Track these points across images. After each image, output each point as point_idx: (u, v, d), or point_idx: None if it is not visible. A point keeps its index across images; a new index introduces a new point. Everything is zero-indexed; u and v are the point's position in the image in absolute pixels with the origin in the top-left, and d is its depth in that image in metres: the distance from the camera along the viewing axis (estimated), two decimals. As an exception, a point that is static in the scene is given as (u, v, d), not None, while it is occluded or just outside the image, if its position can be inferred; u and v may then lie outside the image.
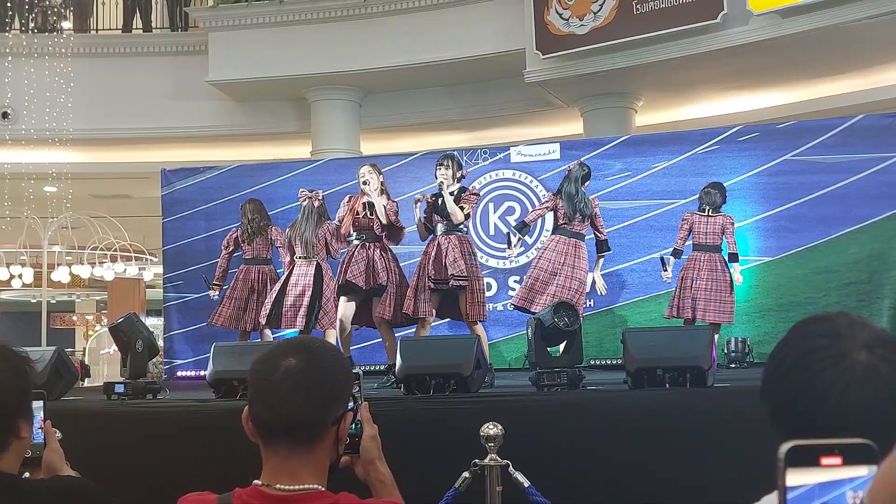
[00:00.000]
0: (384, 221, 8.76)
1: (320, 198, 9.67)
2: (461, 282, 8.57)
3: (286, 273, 9.64)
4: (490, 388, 7.65)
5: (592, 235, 9.47)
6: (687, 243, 9.84)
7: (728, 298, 9.56)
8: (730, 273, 9.61)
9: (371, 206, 8.86)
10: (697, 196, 9.85)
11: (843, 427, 1.24)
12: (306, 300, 9.33)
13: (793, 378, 1.63)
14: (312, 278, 9.38)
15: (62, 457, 2.69)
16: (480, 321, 8.83)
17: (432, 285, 8.70)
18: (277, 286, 9.61)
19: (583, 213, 9.19)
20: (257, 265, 10.20)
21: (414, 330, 8.93)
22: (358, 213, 8.94)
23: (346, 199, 9.19)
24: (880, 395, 1.18)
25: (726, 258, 9.64)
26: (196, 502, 2.19)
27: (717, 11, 12.06)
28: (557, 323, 6.98)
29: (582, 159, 9.87)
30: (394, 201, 9.11)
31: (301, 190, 9.90)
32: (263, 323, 9.56)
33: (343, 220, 9.04)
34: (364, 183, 8.92)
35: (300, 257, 9.50)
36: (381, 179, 9.04)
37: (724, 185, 9.89)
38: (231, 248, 10.35)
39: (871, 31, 11.58)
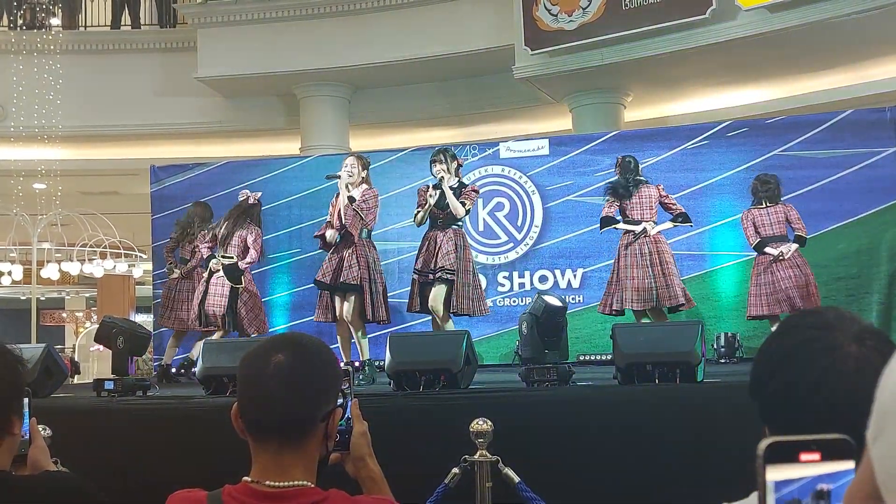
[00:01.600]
0: (343, 219, 8.75)
1: (258, 198, 9.80)
2: (448, 275, 8.60)
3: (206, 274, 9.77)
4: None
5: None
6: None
7: (813, 289, 9.44)
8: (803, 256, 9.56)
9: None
10: (752, 192, 9.75)
11: (833, 419, 1.25)
12: (224, 301, 9.49)
13: (784, 370, 1.63)
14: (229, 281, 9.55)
15: (47, 454, 2.70)
16: (476, 315, 8.92)
17: (417, 277, 8.77)
18: (201, 287, 9.77)
19: None
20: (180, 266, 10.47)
21: (393, 328, 9.02)
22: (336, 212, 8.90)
23: (334, 198, 9.16)
24: (871, 388, 1.19)
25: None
26: (186, 499, 2.19)
27: (705, 7, 12.08)
28: (552, 304, 7.01)
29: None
30: (372, 189, 9.03)
31: (243, 191, 10.02)
32: (198, 325, 9.79)
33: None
34: (337, 178, 8.89)
35: (223, 256, 9.60)
36: (364, 174, 9.00)
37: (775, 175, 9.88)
38: (172, 250, 10.78)
39: (860, 25, 11.61)
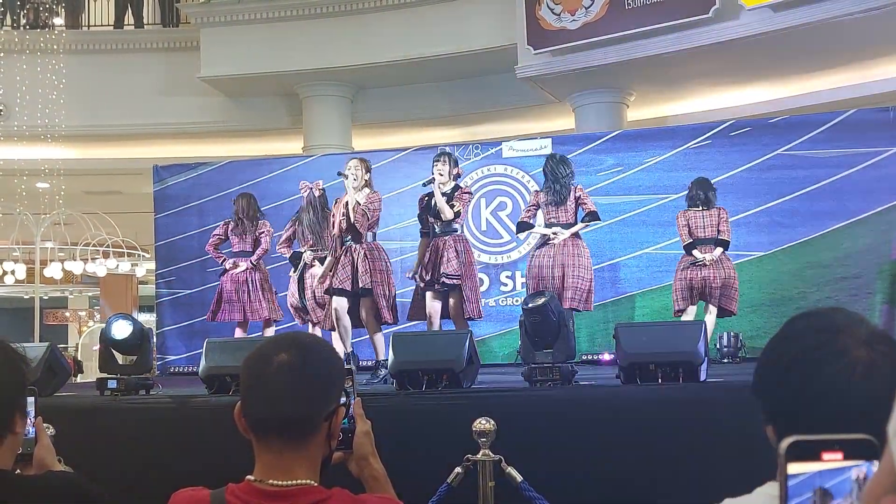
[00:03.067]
0: (350, 220, 8.68)
1: (321, 187, 9.71)
2: (453, 280, 8.61)
3: (301, 268, 9.72)
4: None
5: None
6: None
7: (735, 285, 9.52)
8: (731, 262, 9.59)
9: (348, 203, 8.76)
10: (686, 195, 9.77)
11: (843, 424, 1.24)
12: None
13: (793, 375, 1.62)
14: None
15: (53, 453, 2.69)
16: (475, 318, 8.91)
17: (423, 285, 8.79)
18: (293, 282, 9.74)
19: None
20: (244, 258, 10.23)
21: (395, 328, 9.01)
22: (344, 214, 8.83)
23: (335, 201, 9.10)
24: (880, 392, 1.19)
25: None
26: (190, 498, 2.19)
27: (708, 6, 12.06)
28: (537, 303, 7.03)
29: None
30: (375, 192, 8.98)
31: (302, 182, 9.94)
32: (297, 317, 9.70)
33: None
34: (345, 178, 8.84)
35: (314, 249, 9.56)
36: (367, 177, 8.95)
37: (710, 180, 9.84)
38: (221, 240, 10.40)
39: (863, 25, 11.60)
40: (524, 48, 13.52)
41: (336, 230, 8.80)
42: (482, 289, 11.09)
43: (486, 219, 11.49)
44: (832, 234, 10.34)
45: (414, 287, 9.10)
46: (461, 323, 8.76)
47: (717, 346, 9.89)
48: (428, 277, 8.77)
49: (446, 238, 8.78)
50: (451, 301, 8.76)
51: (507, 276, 11.31)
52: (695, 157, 10.86)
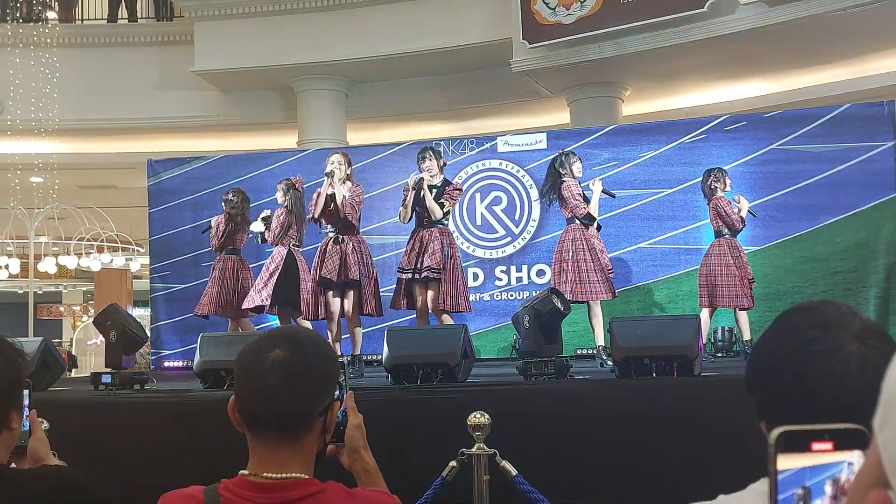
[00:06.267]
0: (340, 215, 8.76)
1: (303, 183, 9.68)
2: (434, 274, 8.71)
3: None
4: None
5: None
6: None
7: (738, 283, 9.27)
8: (742, 256, 9.44)
9: (335, 197, 8.82)
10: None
11: (836, 418, 1.24)
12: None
13: (786, 371, 1.62)
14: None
15: (47, 446, 2.69)
16: (453, 311, 8.92)
17: (401, 275, 8.92)
18: (272, 273, 9.69)
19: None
20: (235, 254, 10.20)
21: (398, 321, 9.08)
22: (326, 205, 8.91)
23: (315, 193, 9.13)
24: (873, 387, 1.18)
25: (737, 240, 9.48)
26: (182, 496, 2.17)
27: (703, 0, 12.06)
28: (558, 307, 7.06)
29: (569, 149, 9.87)
30: (358, 185, 9.06)
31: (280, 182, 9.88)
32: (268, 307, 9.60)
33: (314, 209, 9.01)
34: (328, 174, 8.88)
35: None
36: (349, 171, 9.02)
37: (722, 168, 9.75)
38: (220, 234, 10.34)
39: (858, 20, 11.60)
40: (519, 42, 13.50)
41: (318, 215, 8.84)
42: (476, 283, 11.12)
43: (481, 213, 11.48)
44: (827, 228, 10.35)
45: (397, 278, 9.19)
46: (438, 315, 8.86)
47: (712, 341, 9.90)
48: (412, 267, 8.85)
49: (432, 230, 8.86)
50: (430, 293, 8.85)
51: (501, 271, 11.30)
52: (690, 152, 10.86)
